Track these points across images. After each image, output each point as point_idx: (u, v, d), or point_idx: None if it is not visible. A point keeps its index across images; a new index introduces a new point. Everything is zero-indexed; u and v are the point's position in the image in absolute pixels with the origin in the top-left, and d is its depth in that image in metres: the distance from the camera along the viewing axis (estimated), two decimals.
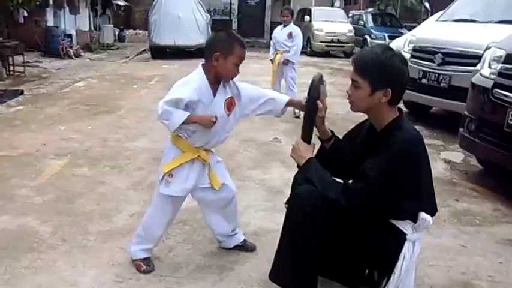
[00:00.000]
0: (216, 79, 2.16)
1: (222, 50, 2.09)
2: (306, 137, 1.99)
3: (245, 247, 2.53)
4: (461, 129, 3.83)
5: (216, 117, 2.11)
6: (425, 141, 5.13)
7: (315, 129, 2.03)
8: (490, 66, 3.63)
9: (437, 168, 4.19)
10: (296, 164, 2.01)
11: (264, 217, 3.00)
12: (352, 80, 1.85)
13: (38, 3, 9.46)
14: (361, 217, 1.80)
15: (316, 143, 2.08)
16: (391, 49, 1.84)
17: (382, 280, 1.95)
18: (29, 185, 3.43)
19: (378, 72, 1.77)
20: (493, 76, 3.50)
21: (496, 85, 3.40)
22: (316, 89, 1.97)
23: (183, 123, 2.07)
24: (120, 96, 7.28)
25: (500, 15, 5.45)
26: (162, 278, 2.25)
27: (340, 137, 2.17)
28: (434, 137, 5.30)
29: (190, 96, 2.07)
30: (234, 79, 2.24)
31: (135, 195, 3.30)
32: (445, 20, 6.21)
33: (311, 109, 1.99)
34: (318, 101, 1.98)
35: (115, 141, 4.70)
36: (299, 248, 1.85)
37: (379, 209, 1.79)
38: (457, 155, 4.56)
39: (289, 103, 2.29)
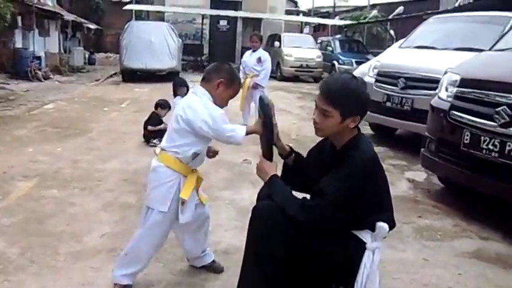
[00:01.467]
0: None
1: (228, 79, 2.23)
2: (267, 155, 2.09)
3: (213, 268, 2.55)
4: (422, 149, 4.03)
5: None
6: (390, 161, 5.35)
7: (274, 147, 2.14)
8: (446, 90, 3.86)
9: (401, 187, 4.38)
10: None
11: (234, 236, 3.05)
12: (321, 108, 1.90)
13: (6, 24, 9.35)
14: (317, 230, 1.88)
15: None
16: (356, 77, 1.94)
17: None
18: None
19: (350, 101, 1.85)
20: (449, 99, 3.73)
21: (453, 107, 3.61)
22: (269, 107, 2.09)
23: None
24: (91, 119, 7.24)
25: (456, 43, 5.80)
26: None
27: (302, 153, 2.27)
28: (398, 158, 5.52)
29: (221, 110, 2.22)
30: None
31: (106, 216, 3.30)
32: (407, 47, 6.54)
33: (269, 127, 2.09)
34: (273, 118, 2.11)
35: (85, 162, 4.68)
36: (265, 262, 1.90)
37: (335, 225, 1.88)
38: (420, 175, 4.76)
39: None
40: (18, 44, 13.18)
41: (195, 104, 2.18)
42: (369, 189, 1.87)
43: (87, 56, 19.78)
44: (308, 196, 2.01)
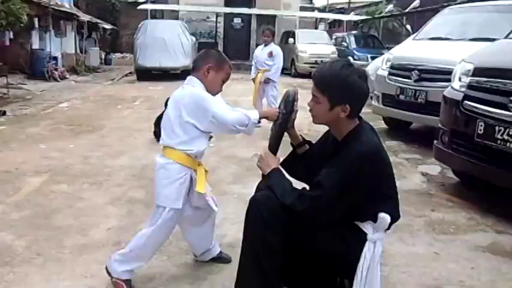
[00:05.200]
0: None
1: (215, 64, 2.20)
2: (273, 149, 2.05)
3: (221, 259, 2.54)
4: (435, 142, 3.93)
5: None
6: (404, 155, 5.25)
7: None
8: (460, 80, 3.75)
9: (415, 181, 4.28)
10: (261, 174, 2.06)
11: (240, 229, 2.94)
12: (313, 94, 1.90)
13: (21, 25, 9.49)
14: (314, 221, 1.84)
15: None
16: (351, 65, 1.89)
17: (351, 286, 1.97)
18: (6, 201, 3.41)
19: (337, 89, 1.82)
20: (463, 89, 3.62)
21: (466, 97, 3.51)
22: (292, 104, 2.04)
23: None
24: (104, 116, 7.30)
25: (472, 33, 5.65)
26: None
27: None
28: (412, 152, 5.40)
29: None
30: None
31: (114, 210, 3.30)
32: (421, 39, 6.40)
33: (285, 123, 2.05)
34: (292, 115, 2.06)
35: (96, 158, 4.71)
36: (260, 251, 1.86)
37: (333, 216, 1.83)
38: (434, 168, 4.64)
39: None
40: (35, 45, 13.39)
41: (199, 96, 2.14)
42: (368, 180, 1.81)
43: (103, 56, 20.00)
44: (308, 187, 1.96)
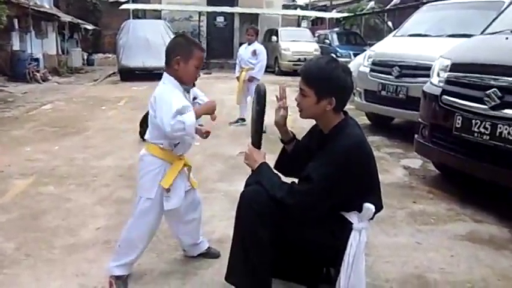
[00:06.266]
0: (182, 84, 2.22)
1: (182, 54, 2.16)
2: (257, 144, 2.12)
3: (209, 254, 2.60)
4: (416, 136, 4.04)
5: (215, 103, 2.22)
6: (387, 150, 5.36)
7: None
8: (438, 75, 3.87)
9: (397, 174, 4.39)
10: (250, 170, 2.12)
11: (228, 226, 3.04)
12: (300, 88, 1.99)
13: (1, 26, 9.37)
14: (305, 215, 1.91)
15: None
16: (336, 61, 1.98)
17: (337, 274, 2.05)
18: None
19: (323, 82, 1.91)
20: (441, 84, 3.73)
21: (444, 92, 3.62)
22: (264, 98, 2.11)
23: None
24: (88, 118, 7.27)
25: (450, 30, 5.79)
26: None
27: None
28: (395, 146, 5.53)
29: (183, 101, 2.12)
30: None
31: (102, 210, 3.33)
32: (402, 35, 6.54)
33: (260, 117, 2.12)
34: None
35: (82, 160, 4.71)
36: (250, 246, 1.93)
37: (321, 208, 1.91)
38: (416, 162, 4.77)
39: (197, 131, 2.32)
40: (16, 47, 13.21)
41: (160, 97, 2.15)
42: (354, 172, 1.89)
43: (85, 56, 19.81)
44: (297, 181, 2.03)
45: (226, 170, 4.41)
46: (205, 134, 2.41)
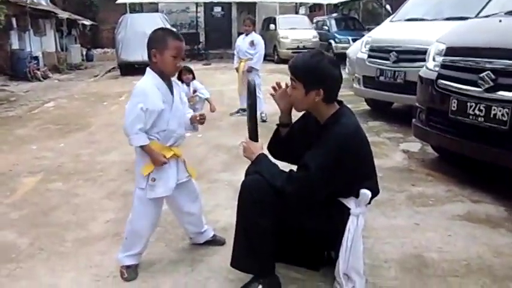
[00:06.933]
0: (165, 76, 2.28)
1: (157, 45, 2.23)
2: (254, 137, 2.21)
3: (215, 241, 2.70)
4: (413, 120, 4.12)
5: (165, 161, 2.28)
6: (386, 134, 5.44)
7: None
8: (434, 60, 3.93)
9: (396, 159, 4.48)
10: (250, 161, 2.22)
11: (232, 214, 3.08)
12: (290, 81, 2.08)
13: (1, 26, 9.43)
14: (303, 202, 2.01)
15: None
16: (321, 53, 2.07)
17: (337, 258, 2.15)
18: (4, 202, 3.52)
19: (308, 75, 2.00)
20: (436, 68, 3.80)
21: (440, 76, 3.69)
22: (254, 93, 2.21)
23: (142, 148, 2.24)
24: (91, 114, 7.37)
25: (447, 13, 5.82)
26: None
27: None
28: (394, 131, 5.60)
29: (152, 103, 2.20)
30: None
31: (110, 204, 3.44)
32: (398, 20, 6.57)
33: (254, 111, 2.21)
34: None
35: (87, 156, 4.81)
36: (251, 232, 2.03)
37: (319, 196, 2.00)
38: (415, 146, 4.85)
39: (192, 119, 2.45)
40: (15, 46, 13.28)
41: (133, 93, 2.25)
42: (350, 161, 1.96)
43: (84, 52, 19.85)
44: (295, 168, 2.12)
45: (229, 160, 4.51)
46: (200, 121, 2.44)
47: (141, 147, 2.26)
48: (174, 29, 13.04)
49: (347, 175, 1.98)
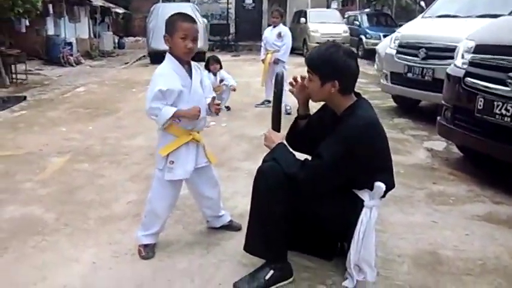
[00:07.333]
0: (183, 61, 2.33)
1: (168, 30, 2.29)
2: (276, 127, 2.25)
3: (231, 227, 2.76)
4: (438, 118, 4.06)
5: (200, 109, 2.32)
6: (411, 132, 5.39)
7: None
8: (463, 57, 3.85)
9: (419, 156, 4.43)
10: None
11: (249, 201, 3.21)
12: (307, 73, 2.11)
13: (38, 12, 9.72)
14: (315, 190, 2.03)
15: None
16: (337, 45, 2.08)
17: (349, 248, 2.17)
18: (34, 179, 3.68)
19: (324, 66, 2.02)
20: (464, 66, 3.73)
21: (467, 74, 3.62)
22: (281, 84, 2.25)
23: (171, 117, 2.26)
24: (119, 100, 7.55)
25: (480, 10, 5.68)
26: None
27: None
28: (419, 128, 5.53)
29: (170, 84, 2.25)
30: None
31: (132, 186, 3.54)
32: (429, 17, 6.45)
33: (279, 101, 2.24)
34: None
35: (114, 139, 4.95)
36: (265, 217, 2.07)
37: (332, 185, 2.02)
38: (440, 144, 4.78)
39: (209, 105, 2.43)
40: (51, 32, 13.66)
41: (153, 76, 2.31)
42: (363, 152, 1.97)
43: (116, 40, 20.22)
44: (310, 158, 2.15)
45: (250, 150, 4.56)
46: (216, 109, 2.44)
47: (172, 118, 2.26)
48: (204, 19, 13.17)
49: (359, 166, 1.99)
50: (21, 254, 2.48)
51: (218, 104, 2.47)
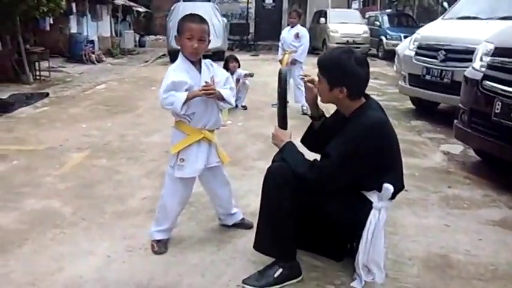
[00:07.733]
0: (194, 60, 2.39)
1: (178, 31, 2.37)
2: (282, 125, 2.28)
3: (243, 225, 2.80)
4: (455, 121, 4.03)
5: (208, 83, 2.33)
6: (428, 134, 5.35)
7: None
8: (481, 60, 3.81)
9: (435, 159, 4.40)
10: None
11: None
12: (318, 76, 2.14)
13: (62, 11, 9.94)
14: (323, 189, 2.05)
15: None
16: (350, 52, 2.07)
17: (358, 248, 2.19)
18: (53, 174, 3.79)
19: (333, 72, 2.05)
20: (482, 69, 3.69)
21: (485, 77, 3.58)
22: (285, 82, 2.27)
23: (186, 101, 2.29)
24: (139, 97, 7.67)
25: (503, 11, 5.59)
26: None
27: None
28: (437, 131, 5.48)
29: (181, 77, 2.31)
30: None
31: (148, 182, 3.62)
32: (450, 18, 6.38)
33: (283, 99, 2.27)
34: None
35: (132, 136, 5.05)
36: (273, 216, 2.11)
37: (339, 184, 2.04)
38: (456, 147, 4.73)
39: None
40: (73, 30, 13.93)
41: (166, 73, 2.38)
42: (371, 152, 1.99)
43: (137, 38, 20.47)
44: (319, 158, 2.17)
45: (265, 149, 4.58)
46: (207, 91, 2.33)
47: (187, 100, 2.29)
48: (224, 19, 13.23)
49: (367, 166, 2.00)
50: (40, 246, 2.57)
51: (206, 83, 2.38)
